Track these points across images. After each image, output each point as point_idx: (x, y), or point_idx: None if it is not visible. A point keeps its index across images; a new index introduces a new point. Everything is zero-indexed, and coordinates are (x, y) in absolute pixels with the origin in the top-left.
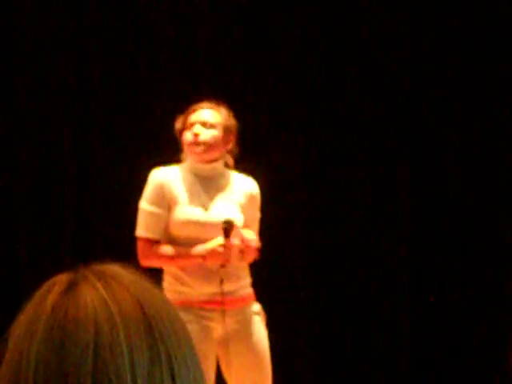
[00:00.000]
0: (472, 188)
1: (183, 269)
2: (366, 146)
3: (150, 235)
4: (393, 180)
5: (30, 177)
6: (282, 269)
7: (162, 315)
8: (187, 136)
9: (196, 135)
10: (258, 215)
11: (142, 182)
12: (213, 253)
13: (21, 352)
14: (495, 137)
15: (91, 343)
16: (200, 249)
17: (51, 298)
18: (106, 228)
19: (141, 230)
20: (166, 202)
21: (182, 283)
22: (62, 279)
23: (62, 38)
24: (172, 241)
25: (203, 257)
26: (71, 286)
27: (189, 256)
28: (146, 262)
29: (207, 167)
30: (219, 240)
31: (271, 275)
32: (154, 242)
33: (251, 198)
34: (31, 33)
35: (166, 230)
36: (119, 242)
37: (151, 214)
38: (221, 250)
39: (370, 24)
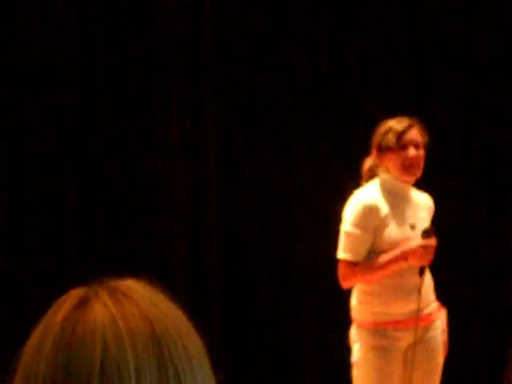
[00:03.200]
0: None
1: (383, 286)
2: None
3: (353, 258)
4: None
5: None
6: None
7: (172, 333)
8: (401, 158)
9: (413, 160)
10: None
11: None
12: (414, 253)
13: (30, 368)
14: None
15: (98, 361)
16: (400, 251)
17: (61, 314)
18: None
19: (347, 253)
20: (374, 224)
21: (378, 302)
22: (73, 295)
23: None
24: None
25: (405, 258)
26: (82, 303)
27: (391, 261)
28: (349, 284)
29: (404, 185)
30: (418, 241)
31: None
32: (355, 264)
33: (431, 213)
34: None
35: (369, 252)
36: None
37: (358, 237)
38: (421, 250)
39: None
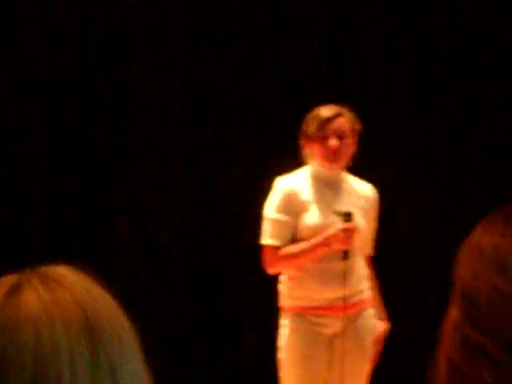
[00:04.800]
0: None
1: (306, 272)
2: None
3: (276, 243)
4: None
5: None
6: None
7: (105, 319)
8: (322, 147)
9: (335, 150)
10: (374, 225)
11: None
12: (335, 237)
13: None
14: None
15: (31, 347)
16: (322, 237)
17: None
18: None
19: (269, 239)
20: (294, 209)
21: (303, 288)
22: (5, 282)
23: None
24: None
25: (327, 244)
26: (14, 289)
27: (313, 247)
28: (273, 269)
29: (333, 173)
30: (339, 225)
31: None
32: (278, 249)
33: (371, 204)
34: None
35: (293, 236)
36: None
37: (278, 221)
38: (341, 234)
39: None
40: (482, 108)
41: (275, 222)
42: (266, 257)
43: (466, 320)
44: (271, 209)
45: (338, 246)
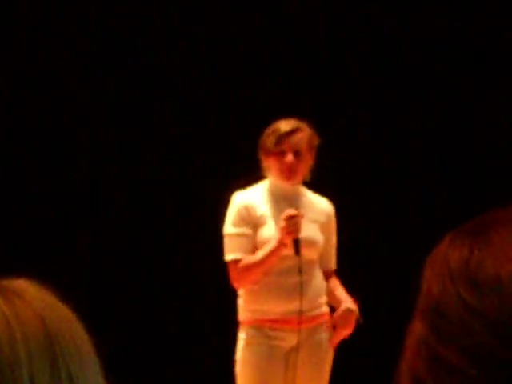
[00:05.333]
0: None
1: (263, 285)
2: None
3: (238, 256)
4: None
5: None
6: None
7: (65, 333)
8: (279, 162)
9: (291, 166)
10: (334, 240)
11: None
12: (282, 230)
13: None
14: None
15: None
16: (274, 240)
17: None
18: None
19: (231, 254)
20: (251, 221)
21: (259, 301)
22: None
23: None
24: None
25: (282, 243)
26: None
27: (270, 251)
28: (240, 284)
29: (291, 187)
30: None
31: None
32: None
33: (329, 218)
34: None
35: (254, 249)
36: None
37: (237, 235)
38: (285, 223)
39: None
40: (482, 108)
41: (234, 236)
42: (231, 273)
43: (434, 335)
44: (229, 224)
45: (288, 236)
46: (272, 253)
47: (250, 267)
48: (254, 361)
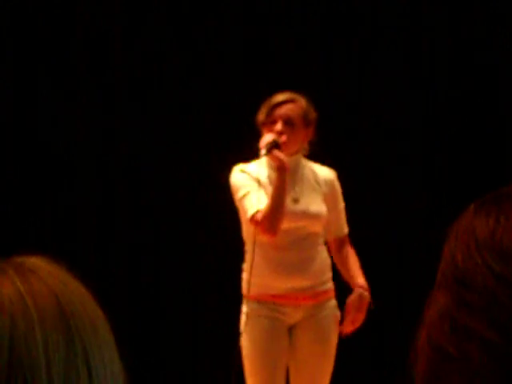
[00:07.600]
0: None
1: (266, 260)
2: None
3: (259, 207)
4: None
5: None
6: None
7: (79, 310)
8: (270, 132)
9: (279, 134)
10: (342, 205)
11: None
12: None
13: None
14: None
15: (6, 337)
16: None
17: None
18: None
19: (250, 210)
20: (255, 181)
21: (262, 276)
22: None
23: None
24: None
25: (282, 165)
26: None
27: (277, 182)
28: (271, 230)
29: (290, 159)
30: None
31: None
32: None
33: (331, 186)
34: None
35: None
36: None
37: (250, 191)
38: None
39: None
40: (483, 108)
41: (247, 195)
42: (258, 226)
43: (459, 305)
44: (237, 190)
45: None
46: (280, 182)
47: (269, 208)
48: (258, 333)
